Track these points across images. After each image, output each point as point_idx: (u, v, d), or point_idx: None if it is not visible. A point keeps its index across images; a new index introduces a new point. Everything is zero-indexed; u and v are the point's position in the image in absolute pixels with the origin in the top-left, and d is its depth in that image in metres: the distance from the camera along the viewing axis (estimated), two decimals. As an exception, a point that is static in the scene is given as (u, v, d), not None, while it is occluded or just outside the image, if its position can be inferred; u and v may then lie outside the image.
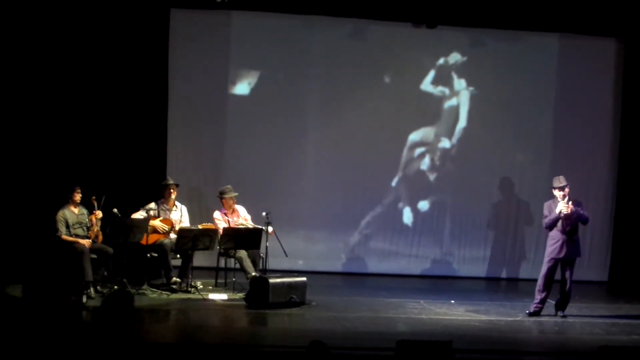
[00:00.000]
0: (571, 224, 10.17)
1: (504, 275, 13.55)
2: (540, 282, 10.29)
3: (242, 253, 10.93)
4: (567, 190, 10.15)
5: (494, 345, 8.80)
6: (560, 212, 10.08)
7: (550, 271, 10.24)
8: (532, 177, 13.44)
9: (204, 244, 10.67)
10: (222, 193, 11.31)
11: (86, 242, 10.30)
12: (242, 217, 11.35)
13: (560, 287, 10.33)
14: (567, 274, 10.26)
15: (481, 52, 13.45)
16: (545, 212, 10.32)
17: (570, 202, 10.10)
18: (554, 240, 10.22)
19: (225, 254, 11.16)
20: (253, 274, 10.66)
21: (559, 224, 10.17)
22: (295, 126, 13.24)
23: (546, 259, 10.29)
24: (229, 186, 11.34)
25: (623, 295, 12.28)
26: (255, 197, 12.20)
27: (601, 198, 13.57)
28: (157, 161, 12.65)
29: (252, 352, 8.31)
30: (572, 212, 10.08)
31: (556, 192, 10.22)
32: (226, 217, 11.19)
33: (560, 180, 10.25)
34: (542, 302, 10.30)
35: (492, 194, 13.52)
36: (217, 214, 11.26)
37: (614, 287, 13.24)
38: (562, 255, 10.17)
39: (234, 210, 11.33)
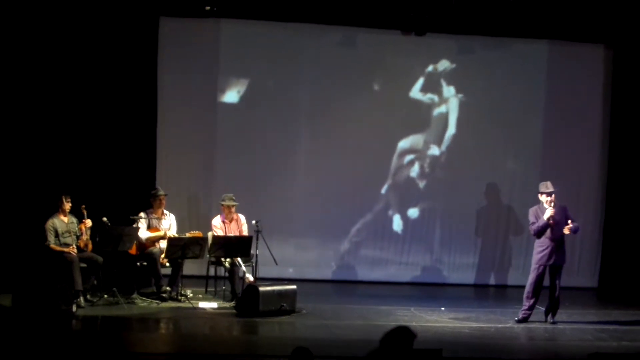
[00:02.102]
0: (560, 230, 10.19)
1: (493, 282, 13.56)
2: (528, 288, 10.28)
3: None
4: (553, 196, 10.16)
5: (485, 352, 8.83)
6: (549, 219, 10.09)
7: (539, 278, 10.22)
8: (521, 184, 13.42)
9: (193, 253, 10.63)
10: (221, 200, 11.32)
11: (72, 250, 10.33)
12: (237, 228, 11.33)
13: (549, 293, 10.33)
14: (557, 281, 10.26)
15: (470, 59, 13.48)
16: (532, 218, 10.31)
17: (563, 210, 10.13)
18: (543, 247, 10.20)
19: (215, 262, 11.14)
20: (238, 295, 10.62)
21: (548, 230, 10.16)
22: (285, 134, 13.22)
23: (534, 265, 10.27)
24: (230, 194, 11.30)
25: (613, 302, 12.31)
26: (245, 205, 12.17)
27: (591, 204, 13.60)
28: (146, 169, 12.61)
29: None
30: (572, 229, 10.09)
31: (542, 197, 10.22)
32: (224, 226, 11.17)
33: (547, 186, 10.23)
34: (531, 308, 10.30)
35: (482, 201, 13.52)
36: (215, 221, 11.24)
37: (604, 293, 13.25)
38: (551, 261, 10.16)
39: (232, 219, 11.30)
